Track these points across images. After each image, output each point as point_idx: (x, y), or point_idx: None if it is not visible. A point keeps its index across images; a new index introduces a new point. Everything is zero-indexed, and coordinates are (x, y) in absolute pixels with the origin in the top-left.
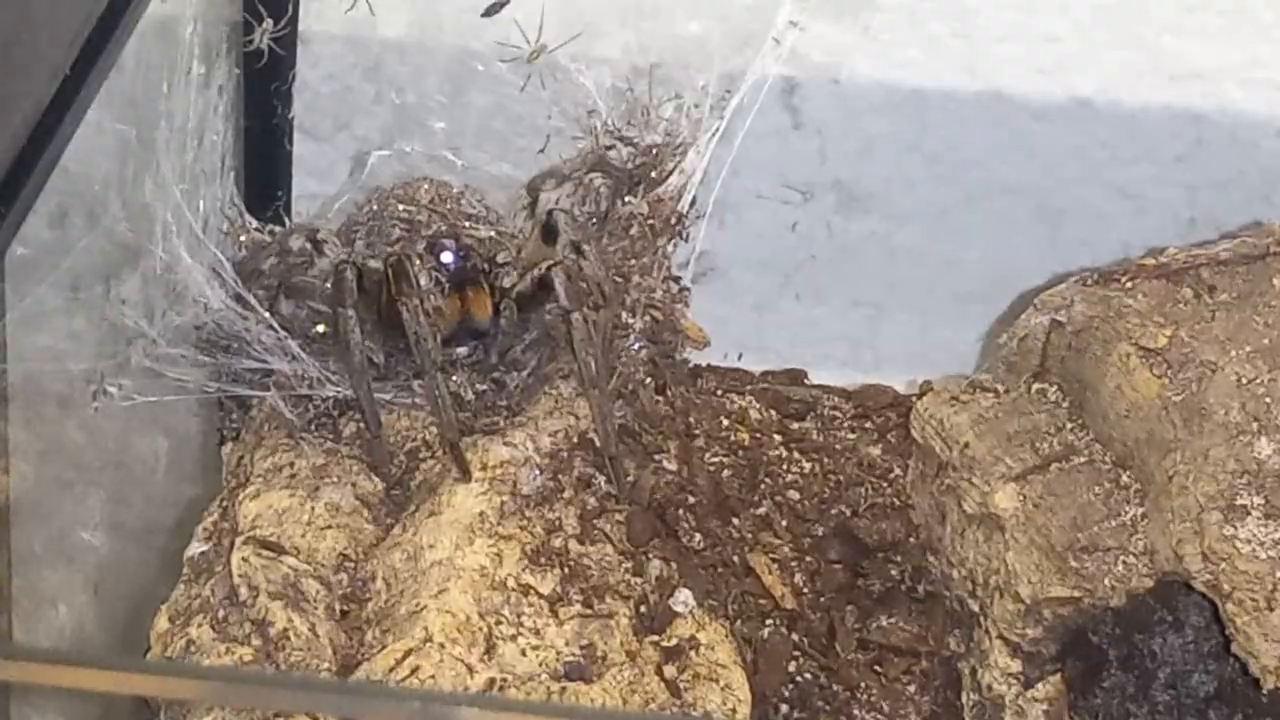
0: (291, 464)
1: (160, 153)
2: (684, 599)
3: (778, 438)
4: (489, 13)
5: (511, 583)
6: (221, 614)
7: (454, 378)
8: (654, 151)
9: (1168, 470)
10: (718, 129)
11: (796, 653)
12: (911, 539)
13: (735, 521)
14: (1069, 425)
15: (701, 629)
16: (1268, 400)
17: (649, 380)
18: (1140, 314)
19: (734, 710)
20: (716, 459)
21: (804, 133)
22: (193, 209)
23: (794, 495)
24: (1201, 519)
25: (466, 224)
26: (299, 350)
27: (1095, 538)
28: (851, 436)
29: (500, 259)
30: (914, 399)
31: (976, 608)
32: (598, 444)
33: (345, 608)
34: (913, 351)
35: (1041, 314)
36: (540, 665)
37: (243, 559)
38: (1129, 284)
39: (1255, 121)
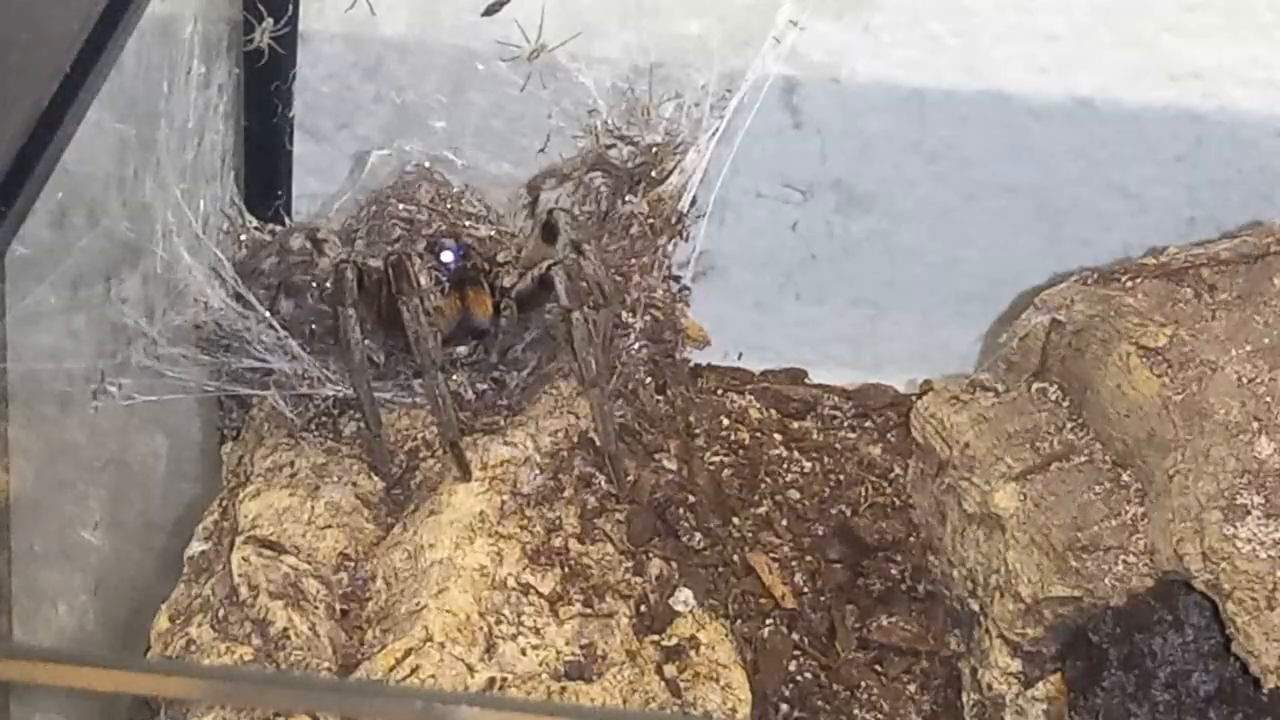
0: (292, 463)
1: (160, 152)
2: (684, 598)
3: (778, 437)
4: (489, 12)
5: (512, 582)
6: (222, 613)
7: (454, 377)
8: (654, 151)
9: (1168, 469)
10: (718, 128)
11: (796, 652)
12: (911, 538)
13: (735, 521)
14: (1069, 424)
15: (701, 628)
16: (1268, 399)
17: (649, 379)
18: (1140, 313)
19: (734, 710)
20: (716, 458)
21: (804, 132)
22: (193, 208)
23: (794, 495)
24: (1202, 518)
25: (467, 223)
26: (299, 349)
27: (1095, 537)
28: (851, 436)
29: (500, 258)
30: (914, 398)
31: (977, 607)
32: (598, 443)
33: (345, 607)
34: (913, 351)
35: (1042, 313)
36: (540, 665)
37: (243, 558)
38: (1129, 284)
39: (1255, 121)
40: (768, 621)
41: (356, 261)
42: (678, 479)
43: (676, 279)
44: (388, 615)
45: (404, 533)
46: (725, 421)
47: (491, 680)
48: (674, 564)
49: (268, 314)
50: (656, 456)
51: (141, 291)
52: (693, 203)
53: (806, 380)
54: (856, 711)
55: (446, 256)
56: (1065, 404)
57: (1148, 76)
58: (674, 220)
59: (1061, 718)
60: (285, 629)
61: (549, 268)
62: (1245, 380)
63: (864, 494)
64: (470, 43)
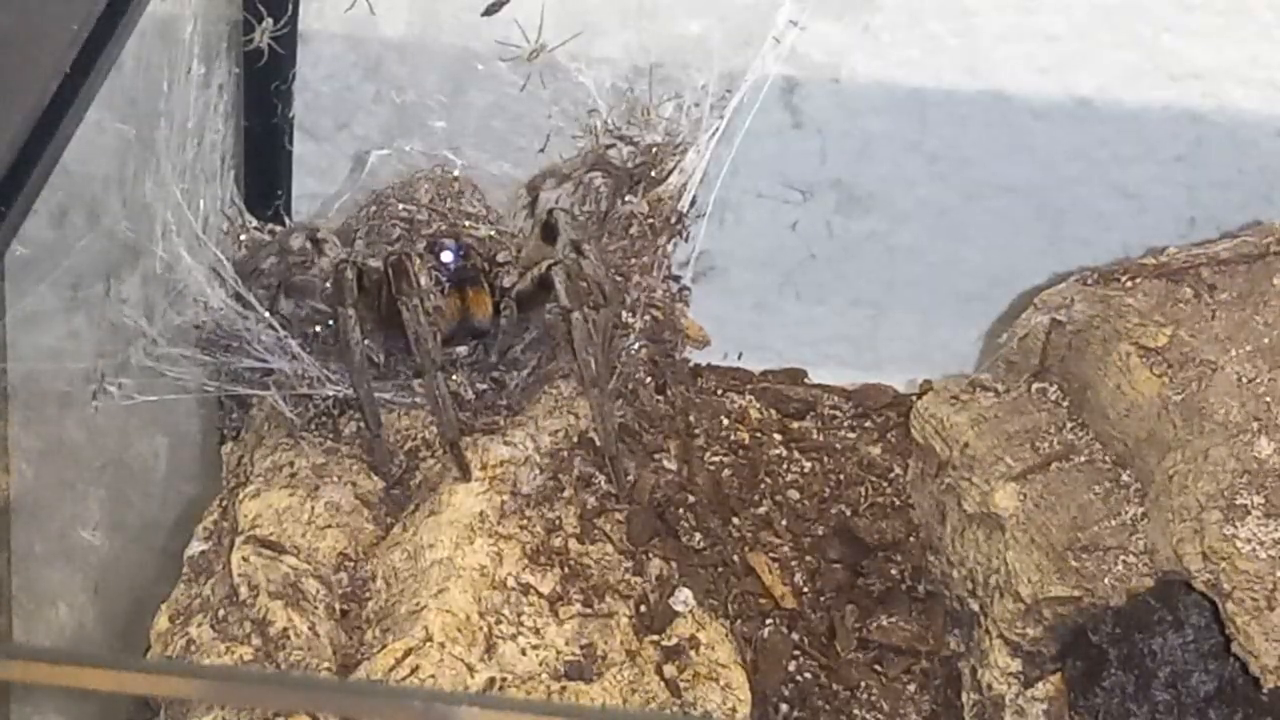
0: (291, 463)
1: (160, 152)
2: (684, 598)
3: (778, 437)
4: (489, 12)
5: (511, 582)
6: (221, 613)
7: (454, 377)
8: (654, 151)
9: (1168, 469)
10: (718, 128)
11: (796, 652)
12: (911, 538)
13: (735, 521)
14: (1069, 424)
15: (701, 628)
16: (1268, 399)
17: (649, 379)
18: (1140, 313)
19: (734, 710)
20: (716, 458)
21: (804, 132)
22: (193, 208)
23: (794, 494)
24: (1201, 518)
25: (467, 223)
26: (299, 349)
27: (1095, 537)
28: (851, 436)
29: (500, 258)
30: (914, 398)
31: (976, 607)
32: (598, 443)
33: (345, 607)
34: (913, 351)
35: (1042, 313)
36: (540, 665)
37: (243, 558)
38: (1129, 283)
39: (1255, 121)
40: (768, 621)
41: (356, 261)
42: (678, 479)
43: (676, 279)
44: (388, 615)
45: (404, 533)
46: (725, 421)
47: (491, 680)
48: (674, 564)
49: (268, 314)
50: (656, 456)
51: (141, 291)
52: (693, 203)
53: (806, 380)
54: (856, 711)
55: (446, 256)
56: (1065, 404)
57: (1148, 76)
58: (674, 220)
59: (1061, 718)
60: (285, 629)
61: (549, 268)
62: (1245, 380)
63: (864, 494)
64: (470, 43)
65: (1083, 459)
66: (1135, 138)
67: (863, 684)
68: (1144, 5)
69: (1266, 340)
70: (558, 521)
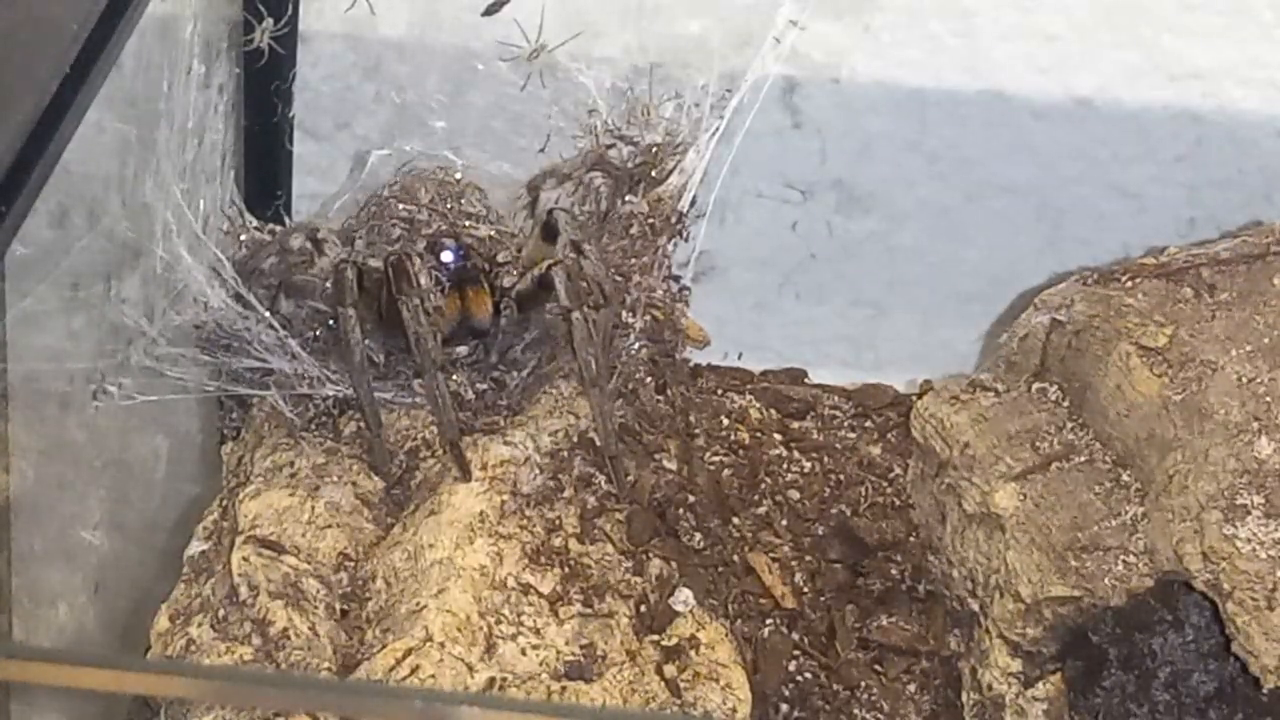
0: (292, 463)
1: (160, 152)
2: (684, 598)
3: (778, 437)
4: (489, 12)
5: (511, 582)
6: (222, 613)
7: (454, 377)
8: (654, 151)
9: (1168, 469)
10: (718, 128)
11: (796, 652)
12: (911, 538)
13: (735, 521)
14: (1069, 424)
15: (701, 628)
16: (1268, 399)
17: (649, 379)
18: (1140, 313)
19: (734, 710)
20: (716, 458)
21: (804, 132)
22: (193, 208)
23: (794, 495)
24: (1202, 518)
25: (467, 223)
26: (299, 349)
27: (1095, 537)
28: (851, 436)
29: (500, 258)
30: (914, 398)
31: (976, 607)
32: (598, 443)
33: (345, 607)
34: (913, 351)
35: (1042, 313)
36: (540, 665)
37: (243, 558)
38: (1129, 283)
39: (1255, 121)
40: (768, 621)
41: (356, 261)
42: (678, 479)
43: (676, 279)
44: (388, 615)
45: (404, 533)
46: (725, 421)
47: (491, 680)
48: (674, 564)
49: (268, 314)
50: (656, 456)
51: (141, 291)
52: (693, 203)
53: (806, 380)
54: (856, 711)
55: (446, 256)
56: (1065, 404)
57: (1148, 76)
58: (674, 220)
59: (1061, 718)
60: (285, 629)
61: (549, 268)
62: (1245, 380)
63: (864, 494)
64: (470, 43)
65: (1083, 459)
66: (1135, 138)
67: (863, 684)
68: (1144, 5)
69: (1266, 340)
70: (558, 521)
